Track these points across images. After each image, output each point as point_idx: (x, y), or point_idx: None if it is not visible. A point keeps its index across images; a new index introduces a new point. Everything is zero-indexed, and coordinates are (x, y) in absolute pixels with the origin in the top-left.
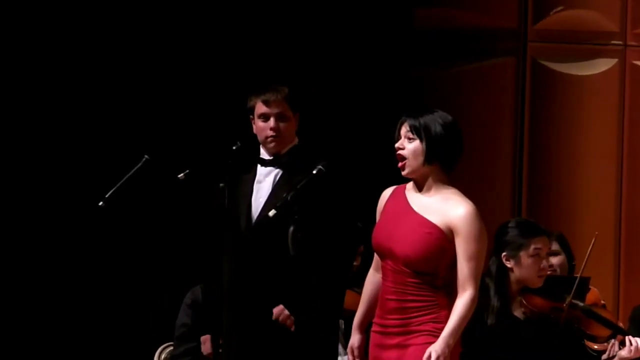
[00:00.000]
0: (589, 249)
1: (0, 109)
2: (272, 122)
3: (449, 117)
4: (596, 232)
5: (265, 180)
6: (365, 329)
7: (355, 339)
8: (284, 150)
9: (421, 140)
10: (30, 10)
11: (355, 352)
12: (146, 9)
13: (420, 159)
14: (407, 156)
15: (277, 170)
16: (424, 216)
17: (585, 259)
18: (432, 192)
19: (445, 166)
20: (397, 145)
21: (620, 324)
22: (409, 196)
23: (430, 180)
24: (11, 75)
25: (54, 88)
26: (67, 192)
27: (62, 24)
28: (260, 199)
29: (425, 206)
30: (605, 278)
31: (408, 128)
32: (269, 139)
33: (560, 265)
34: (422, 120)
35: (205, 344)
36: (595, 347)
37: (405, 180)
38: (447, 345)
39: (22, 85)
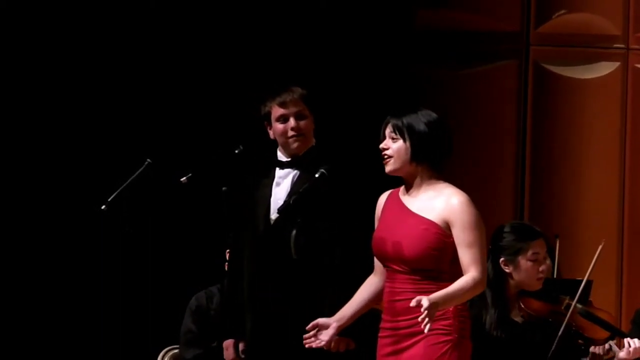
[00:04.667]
0: (595, 257)
1: (2, 111)
2: (292, 121)
3: (433, 115)
4: (603, 240)
5: (283, 182)
6: (340, 326)
7: (325, 319)
8: (302, 151)
9: (404, 140)
10: (31, 13)
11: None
12: (148, 12)
13: (405, 157)
14: (391, 155)
15: (295, 171)
16: (420, 215)
17: (591, 265)
18: (424, 189)
19: (434, 165)
20: (381, 145)
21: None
22: (404, 198)
23: (419, 179)
24: (13, 78)
25: (56, 91)
26: (70, 196)
27: (64, 26)
28: (279, 201)
29: (420, 205)
30: (607, 281)
31: (391, 128)
32: (292, 139)
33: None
34: (405, 120)
35: (228, 349)
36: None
37: (399, 183)
38: (437, 302)
39: (25, 88)
